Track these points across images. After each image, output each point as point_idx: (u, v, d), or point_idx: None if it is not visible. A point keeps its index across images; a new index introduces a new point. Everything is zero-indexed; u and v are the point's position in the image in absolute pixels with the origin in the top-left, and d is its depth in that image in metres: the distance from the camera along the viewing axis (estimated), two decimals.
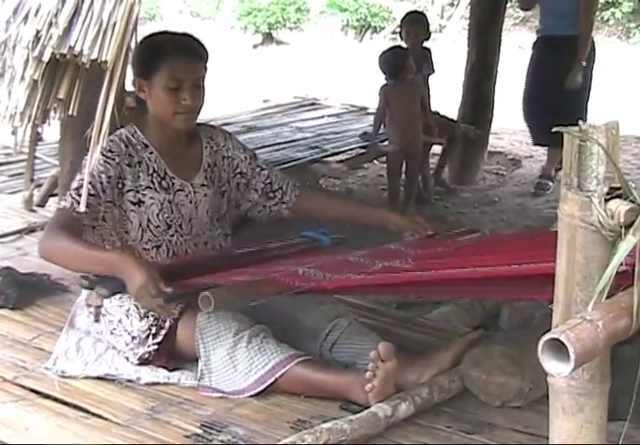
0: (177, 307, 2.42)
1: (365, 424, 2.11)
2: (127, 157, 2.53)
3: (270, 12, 13.98)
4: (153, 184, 2.55)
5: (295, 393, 2.34)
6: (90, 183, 2.39)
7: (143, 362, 2.47)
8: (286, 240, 2.66)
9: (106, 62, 2.02)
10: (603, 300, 1.43)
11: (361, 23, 14.23)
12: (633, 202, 1.44)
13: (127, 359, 2.49)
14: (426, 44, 5.70)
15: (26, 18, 2.17)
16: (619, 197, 1.45)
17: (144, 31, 2.48)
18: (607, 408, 1.54)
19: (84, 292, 2.57)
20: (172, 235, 2.57)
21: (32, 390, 2.38)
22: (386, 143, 5.48)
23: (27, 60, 2.18)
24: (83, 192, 2.26)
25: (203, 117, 2.66)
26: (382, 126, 5.45)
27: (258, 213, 2.77)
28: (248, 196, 2.74)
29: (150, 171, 2.56)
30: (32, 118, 2.23)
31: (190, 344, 2.42)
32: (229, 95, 8.22)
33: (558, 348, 1.32)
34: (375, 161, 6.20)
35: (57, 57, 2.12)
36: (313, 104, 7.63)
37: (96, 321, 2.55)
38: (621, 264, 1.44)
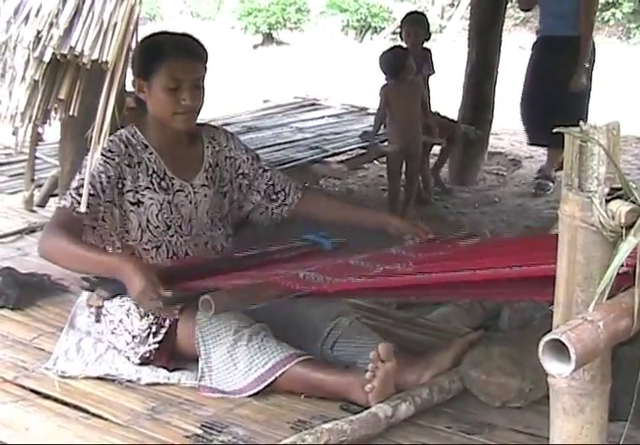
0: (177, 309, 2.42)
1: (366, 424, 2.11)
2: (127, 157, 2.53)
3: (270, 12, 13.98)
4: (152, 184, 2.55)
5: (295, 393, 2.35)
6: (90, 183, 2.39)
7: (144, 361, 2.47)
8: (287, 243, 2.66)
9: (106, 63, 2.03)
10: (604, 301, 1.43)
11: (361, 24, 14.23)
12: (633, 203, 1.44)
13: (128, 358, 2.50)
14: (426, 44, 5.70)
15: (27, 18, 2.17)
16: (620, 197, 1.46)
17: (144, 31, 2.48)
18: (607, 408, 1.54)
19: (85, 292, 2.57)
20: (172, 236, 2.57)
21: (33, 391, 2.38)
22: (386, 143, 5.48)
23: (28, 61, 2.18)
24: (84, 192, 2.26)
25: (203, 117, 2.66)
26: (383, 126, 5.45)
27: (260, 215, 2.77)
28: (250, 197, 2.74)
29: (150, 172, 2.56)
30: (33, 118, 2.23)
31: (190, 342, 2.42)
32: (229, 96, 8.22)
33: (559, 348, 1.32)
34: (375, 162, 6.20)
35: (58, 57, 2.12)
36: (313, 104, 7.62)
37: (97, 321, 2.55)
38: (622, 265, 1.44)
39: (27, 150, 4.19)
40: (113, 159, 2.50)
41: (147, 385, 2.42)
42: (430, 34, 5.78)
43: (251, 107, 7.55)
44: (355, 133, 6.13)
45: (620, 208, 1.44)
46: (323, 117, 7.05)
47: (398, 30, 7.39)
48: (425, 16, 6.15)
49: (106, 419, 2.24)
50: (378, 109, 5.36)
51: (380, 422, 2.14)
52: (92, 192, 2.42)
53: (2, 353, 2.59)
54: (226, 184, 2.71)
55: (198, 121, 2.63)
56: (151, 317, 2.45)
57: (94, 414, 2.26)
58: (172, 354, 2.48)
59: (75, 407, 2.29)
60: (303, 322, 2.50)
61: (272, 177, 2.75)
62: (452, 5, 14.37)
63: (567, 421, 1.52)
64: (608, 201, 1.45)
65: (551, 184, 5.81)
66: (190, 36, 2.59)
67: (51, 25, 2.10)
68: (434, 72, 5.75)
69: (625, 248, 1.42)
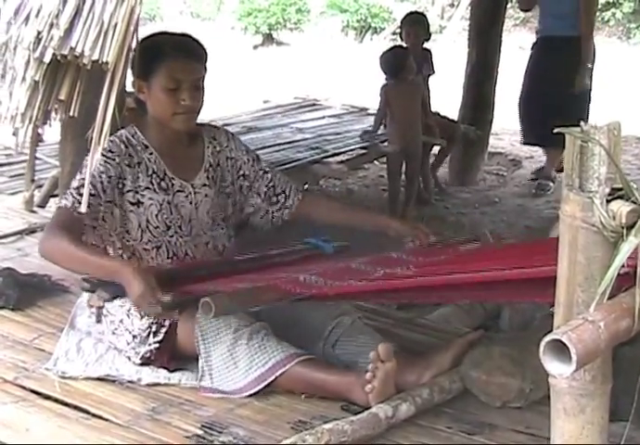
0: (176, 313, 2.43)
1: (366, 424, 2.11)
2: (127, 157, 2.53)
3: (270, 13, 13.98)
4: (152, 184, 2.55)
5: (295, 393, 2.35)
6: (90, 183, 2.39)
7: (145, 361, 2.48)
8: (288, 247, 2.66)
9: (107, 63, 2.02)
10: (605, 301, 1.43)
11: (361, 24, 14.23)
12: (634, 203, 1.44)
13: (129, 359, 2.50)
14: (426, 44, 5.70)
15: (27, 19, 2.17)
16: (620, 197, 1.46)
17: (144, 31, 2.47)
18: (608, 409, 1.54)
19: (85, 293, 2.57)
20: (172, 236, 2.57)
21: (33, 391, 2.38)
22: (386, 143, 5.48)
23: (28, 61, 2.18)
24: (85, 193, 2.26)
25: (203, 118, 2.65)
26: (383, 127, 5.45)
27: (260, 219, 2.76)
28: (250, 200, 2.74)
29: (150, 172, 2.56)
30: (33, 119, 2.23)
31: (190, 341, 2.42)
32: (229, 96, 8.22)
33: (560, 349, 1.32)
34: (375, 162, 6.20)
35: (59, 57, 2.11)
36: (313, 105, 7.62)
37: (98, 321, 2.55)
38: (623, 266, 1.44)
39: (27, 151, 4.19)
40: (113, 159, 2.50)
41: (148, 385, 2.42)
42: (430, 35, 5.78)
43: (251, 107, 7.54)
44: (355, 134, 6.13)
45: (621, 208, 1.44)
46: (323, 117, 7.04)
47: (398, 30, 7.39)
48: (425, 16, 6.15)
49: (106, 420, 2.24)
50: (378, 109, 5.36)
51: (381, 422, 2.14)
52: (93, 192, 2.42)
53: (2, 354, 2.59)
54: (229, 185, 2.70)
55: (199, 121, 2.63)
56: (151, 317, 2.45)
57: (94, 415, 2.26)
58: (172, 354, 2.48)
59: (75, 407, 2.29)
60: (305, 320, 2.50)
61: (272, 179, 2.75)
62: (452, 5, 14.37)
63: (567, 421, 1.52)
64: (608, 201, 1.45)
65: (551, 185, 5.81)
66: (190, 36, 2.59)
67: (51, 26, 2.10)
68: (434, 73, 5.75)
69: (626, 249, 1.42)
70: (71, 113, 2.22)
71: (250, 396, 2.34)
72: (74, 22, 2.08)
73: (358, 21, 14.22)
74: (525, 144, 6.04)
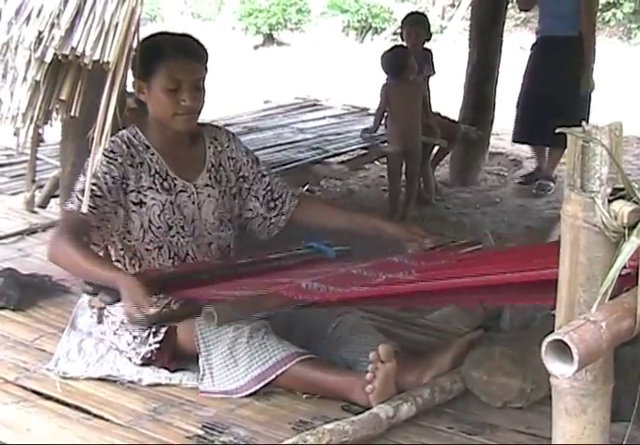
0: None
1: (367, 424, 2.11)
2: (129, 157, 2.53)
3: (271, 13, 13.97)
4: (155, 184, 2.55)
5: (296, 392, 2.35)
6: (95, 184, 2.40)
7: (146, 362, 2.48)
8: (290, 250, 2.66)
9: (108, 63, 2.02)
10: (606, 302, 1.43)
11: (362, 24, 14.22)
12: (636, 203, 1.44)
13: (130, 359, 2.50)
14: (427, 44, 5.70)
15: (28, 18, 2.17)
16: (622, 197, 1.46)
17: (145, 32, 2.47)
18: (610, 409, 1.54)
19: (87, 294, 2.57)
20: (173, 236, 2.57)
21: (34, 391, 2.38)
22: (386, 144, 5.48)
23: (29, 61, 2.17)
24: (85, 194, 2.26)
25: (204, 118, 2.65)
26: (384, 127, 5.45)
27: (257, 227, 2.75)
28: (249, 203, 2.73)
29: (152, 173, 2.55)
30: (34, 119, 2.23)
31: (191, 341, 2.42)
32: (230, 96, 8.22)
33: (562, 349, 1.32)
34: (376, 162, 6.20)
35: (60, 57, 2.11)
36: (314, 105, 7.62)
37: (99, 322, 2.55)
38: (624, 267, 1.44)
39: (28, 151, 4.19)
40: (116, 160, 2.50)
41: (149, 385, 2.42)
42: (431, 35, 5.78)
43: (252, 107, 7.54)
44: (356, 134, 6.13)
45: (623, 208, 1.44)
46: (324, 117, 7.04)
47: (399, 30, 7.40)
48: (425, 16, 6.15)
49: (107, 420, 2.24)
50: (378, 109, 5.36)
51: (382, 422, 2.14)
52: (98, 193, 2.42)
53: (3, 354, 2.59)
54: (234, 185, 2.70)
55: (200, 121, 2.63)
56: None
57: (95, 415, 2.26)
58: (173, 354, 2.48)
59: (76, 408, 2.30)
60: (308, 319, 2.50)
61: (270, 183, 2.74)
62: (452, 5, 14.36)
63: (569, 421, 1.52)
64: (610, 201, 1.45)
65: (552, 185, 5.81)
66: (190, 37, 2.59)
67: (52, 26, 2.09)
68: (435, 73, 5.75)
69: (628, 249, 1.42)
70: (72, 113, 2.22)
71: (251, 396, 2.34)
72: (75, 22, 2.08)
73: (359, 22, 14.21)
74: (515, 142, 6.05)
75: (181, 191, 2.59)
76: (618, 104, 7.57)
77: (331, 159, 5.75)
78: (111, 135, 2.24)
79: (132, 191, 2.52)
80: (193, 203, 2.60)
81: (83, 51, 2.05)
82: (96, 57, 2.03)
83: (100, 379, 2.45)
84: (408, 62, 5.14)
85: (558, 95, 5.33)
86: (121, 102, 2.12)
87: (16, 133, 2.38)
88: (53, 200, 4.30)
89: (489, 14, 5.88)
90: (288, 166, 5.31)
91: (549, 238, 2.95)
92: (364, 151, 5.87)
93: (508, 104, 5.92)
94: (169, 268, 2.54)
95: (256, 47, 13.86)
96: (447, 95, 6.19)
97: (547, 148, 5.89)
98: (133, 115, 2.65)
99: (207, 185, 2.63)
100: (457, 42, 11.74)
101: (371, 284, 2.17)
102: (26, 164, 4.42)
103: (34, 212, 4.11)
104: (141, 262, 2.55)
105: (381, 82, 5.27)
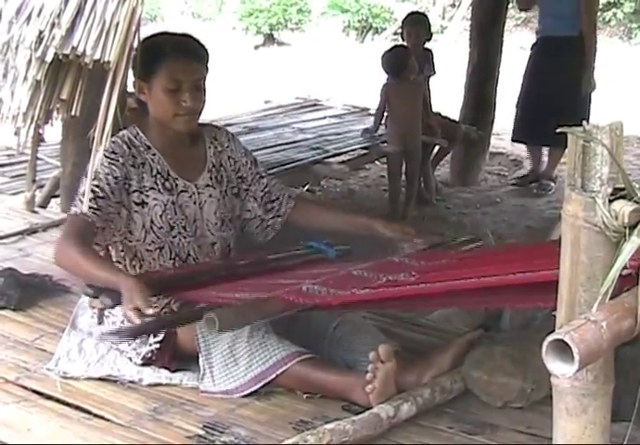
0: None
1: (368, 424, 2.11)
2: (130, 158, 2.53)
3: (271, 13, 13.98)
4: (157, 185, 2.55)
5: (296, 391, 2.35)
6: (98, 186, 2.41)
7: (146, 362, 2.48)
8: (290, 250, 2.65)
9: (108, 63, 2.02)
10: (607, 301, 1.43)
11: (362, 24, 14.23)
12: (637, 203, 1.44)
13: (130, 359, 2.50)
14: (427, 44, 5.70)
15: (29, 18, 2.17)
16: (623, 197, 1.45)
17: (145, 32, 2.47)
18: (610, 409, 1.54)
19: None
20: (175, 237, 2.56)
21: (35, 391, 2.38)
22: (387, 144, 5.48)
23: (30, 61, 2.17)
24: (86, 195, 2.26)
25: (205, 118, 2.65)
26: (384, 127, 5.45)
27: (255, 228, 2.75)
28: (248, 204, 2.73)
29: (154, 173, 2.55)
30: (35, 118, 2.23)
31: (191, 340, 2.42)
32: (231, 96, 8.22)
33: (562, 348, 1.32)
34: (376, 162, 6.20)
35: (60, 57, 2.11)
36: (314, 105, 7.62)
37: (100, 323, 2.55)
38: (625, 267, 1.44)
39: (29, 151, 4.19)
40: (117, 160, 2.49)
41: (149, 385, 2.42)
42: (432, 35, 5.79)
43: (253, 107, 7.55)
44: (356, 134, 6.13)
45: (624, 208, 1.44)
46: (324, 117, 7.04)
47: (399, 30, 7.39)
48: (426, 16, 6.16)
49: (107, 420, 2.24)
50: (378, 108, 5.37)
51: (382, 422, 2.14)
52: (101, 194, 2.42)
53: (4, 354, 2.59)
54: (235, 185, 2.70)
55: (200, 121, 2.63)
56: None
57: (95, 415, 2.26)
58: (173, 354, 2.49)
59: (77, 408, 2.29)
60: (309, 318, 2.49)
61: (267, 184, 2.74)
62: (453, 5, 14.37)
63: (570, 421, 1.52)
64: (611, 201, 1.45)
65: (552, 185, 5.81)
66: (190, 37, 2.59)
67: (53, 25, 2.09)
68: (435, 73, 5.75)
69: (628, 249, 1.42)
70: (73, 113, 2.22)
71: (252, 395, 2.34)
72: (76, 22, 2.08)
73: (359, 21, 14.22)
74: (514, 141, 6.05)
75: (182, 191, 2.59)
76: (618, 104, 7.58)
77: (331, 159, 5.75)
78: (112, 135, 2.24)
79: (134, 191, 2.52)
80: (194, 203, 2.60)
81: (84, 51, 2.05)
82: (97, 56, 2.03)
83: (101, 379, 2.44)
84: (409, 62, 5.15)
85: (558, 95, 5.33)
86: (121, 102, 2.12)
87: (16, 133, 2.38)
88: (53, 200, 4.30)
89: (489, 14, 5.89)
90: (288, 166, 5.31)
91: (550, 238, 2.94)
92: (365, 151, 5.88)
93: (509, 104, 5.92)
94: (170, 269, 2.54)
95: (256, 47, 13.87)
96: (448, 95, 6.20)
97: (547, 149, 5.89)
98: (133, 115, 2.65)
99: (208, 186, 2.63)
100: (458, 42, 11.75)
101: (372, 286, 2.17)
102: (26, 164, 4.41)
103: (35, 212, 4.10)
104: (142, 263, 2.55)
105: (382, 82, 5.28)
